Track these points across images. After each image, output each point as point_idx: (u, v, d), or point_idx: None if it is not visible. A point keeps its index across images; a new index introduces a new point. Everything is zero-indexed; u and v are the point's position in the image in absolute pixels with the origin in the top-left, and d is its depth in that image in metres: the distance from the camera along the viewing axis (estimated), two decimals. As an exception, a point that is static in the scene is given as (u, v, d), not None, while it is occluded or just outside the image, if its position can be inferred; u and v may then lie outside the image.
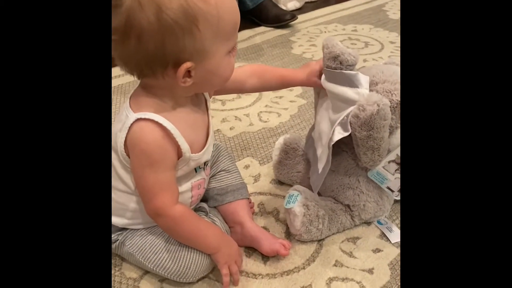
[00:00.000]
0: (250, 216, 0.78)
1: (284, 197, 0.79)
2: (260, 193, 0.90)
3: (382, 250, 0.77)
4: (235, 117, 1.17)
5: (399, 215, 0.85)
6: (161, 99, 0.61)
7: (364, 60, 1.53)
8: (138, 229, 0.71)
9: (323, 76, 0.75)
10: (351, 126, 0.67)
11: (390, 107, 0.67)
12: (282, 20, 1.80)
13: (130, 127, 0.60)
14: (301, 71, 0.79)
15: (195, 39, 0.55)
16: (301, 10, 2.05)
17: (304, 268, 0.74)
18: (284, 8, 1.95)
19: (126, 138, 0.60)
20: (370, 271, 0.73)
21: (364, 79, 0.71)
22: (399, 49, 1.56)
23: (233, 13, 0.58)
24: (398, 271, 0.73)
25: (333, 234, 0.80)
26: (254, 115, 1.18)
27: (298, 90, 1.32)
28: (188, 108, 0.65)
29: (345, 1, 2.17)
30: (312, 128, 0.88)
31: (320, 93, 0.81)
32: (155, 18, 0.53)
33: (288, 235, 0.80)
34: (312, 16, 1.97)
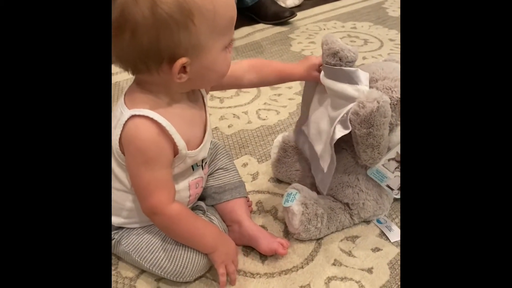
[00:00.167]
0: (248, 214, 0.77)
1: (282, 195, 0.78)
2: (259, 192, 0.89)
3: (382, 249, 0.76)
4: (234, 114, 1.16)
5: (398, 213, 0.84)
6: (156, 95, 0.60)
7: (364, 58, 1.52)
8: (135, 228, 0.70)
9: (322, 73, 0.74)
10: (350, 123, 0.66)
11: (390, 104, 0.66)
12: (281, 17, 1.79)
13: (124, 124, 0.58)
14: (300, 66, 0.78)
15: (191, 34, 0.54)
16: (300, 7, 2.04)
17: (302, 267, 0.73)
18: (283, 5, 1.94)
19: (120, 135, 0.59)
20: (370, 270, 0.72)
21: (364, 76, 0.70)
22: (399, 46, 1.56)
23: (229, 7, 0.57)
24: (398, 271, 0.72)
25: (332, 233, 0.79)
26: (252, 113, 1.17)
27: (297, 87, 1.31)
28: (184, 104, 0.63)
29: (345, -2, 2.16)
30: (300, 122, 0.87)
31: (317, 88, 0.80)
32: (149, 12, 0.52)
33: (287, 234, 0.79)
34: (311, 13, 1.96)
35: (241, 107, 1.20)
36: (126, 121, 0.58)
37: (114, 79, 1.29)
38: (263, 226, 0.80)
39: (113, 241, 0.70)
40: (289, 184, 0.85)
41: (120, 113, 0.59)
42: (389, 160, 0.73)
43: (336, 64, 0.70)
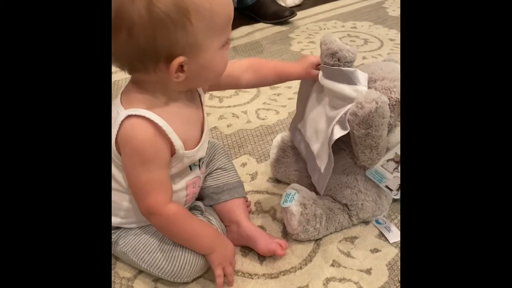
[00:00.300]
0: (247, 215, 0.77)
1: (281, 195, 0.78)
2: (257, 192, 0.89)
3: (380, 250, 0.76)
4: (233, 114, 1.16)
5: (397, 214, 0.84)
6: (153, 94, 0.60)
7: (363, 57, 1.52)
8: (132, 228, 0.70)
9: (320, 73, 0.74)
10: (349, 124, 0.66)
11: (389, 104, 0.66)
12: (281, 16, 1.79)
13: (121, 124, 0.58)
14: (298, 64, 0.78)
15: (188, 33, 0.54)
16: (300, 6, 2.03)
17: (301, 268, 0.72)
18: (283, 4, 1.94)
19: (117, 135, 0.59)
20: (368, 271, 0.72)
21: (362, 76, 0.70)
22: (399, 46, 1.55)
23: (226, 5, 0.57)
24: (397, 272, 0.72)
25: (331, 233, 0.78)
26: (251, 112, 1.17)
27: (296, 87, 1.28)
28: (182, 103, 0.63)
29: (345, -3, 2.16)
30: (296, 120, 0.86)
31: (314, 86, 0.80)
32: (146, 11, 0.51)
33: (285, 234, 0.79)
34: (311, 12, 1.96)
35: (240, 106, 1.20)
36: (122, 121, 0.58)
37: (113, 78, 1.29)
38: (261, 227, 0.80)
39: (110, 241, 0.70)
40: (288, 184, 0.84)
41: (116, 113, 0.59)
42: (388, 160, 0.73)
43: (335, 64, 0.69)
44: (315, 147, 0.78)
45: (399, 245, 0.77)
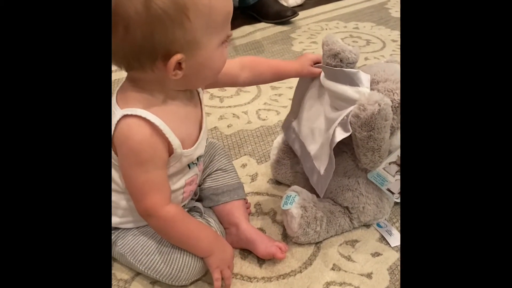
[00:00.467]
0: (246, 217, 0.76)
1: (281, 197, 0.77)
2: (257, 193, 0.88)
3: (382, 254, 0.75)
4: (233, 114, 1.15)
5: (399, 217, 0.83)
6: (151, 93, 0.59)
7: (366, 58, 1.51)
8: (130, 228, 0.69)
9: (322, 74, 0.73)
10: (351, 126, 0.65)
11: (391, 106, 0.65)
12: (283, 16, 1.78)
13: (116, 124, 0.57)
14: (296, 61, 0.78)
15: (186, 30, 0.52)
16: (302, 6, 2.02)
17: (300, 271, 0.71)
18: (285, 4, 1.93)
19: (113, 135, 0.58)
20: (369, 275, 0.71)
21: (365, 78, 0.69)
22: (401, 47, 1.54)
23: (226, 2, 0.56)
24: (398, 276, 0.71)
25: (331, 236, 0.77)
26: (252, 113, 1.16)
27: (297, 87, 1.29)
28: (179, 102, 0.62)
29: (347, -2, 2.15)
30: (291, 117, 0.85)
31: (312, 83, 0.79)
32: (143, 8, 0.50)
33: (285, 237, 0.78)
34: (313, 13, 1.94)
35: (241, 106, 1.19)
36: (118, 121, 0.57)
37: (113, 76, 1.28)
38: (261, 229, 0.79)
39: (108, 243, 0.69)
40: (288, 186, 0.83)
41: (112, 112, 0.58)
42: (390, 163, 0.72)
43: (337, 65, 0.68)
44: (312, 147, 0.77)
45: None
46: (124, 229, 0.69)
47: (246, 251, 0.74)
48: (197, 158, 0.67)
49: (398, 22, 1.85)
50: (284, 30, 1.74)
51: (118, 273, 0.70)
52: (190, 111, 0.64)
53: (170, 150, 0.60)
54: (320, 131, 0.76)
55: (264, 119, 1.13)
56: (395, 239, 0.77)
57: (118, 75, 1.28)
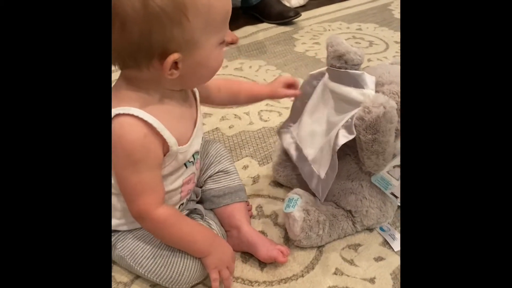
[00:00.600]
0: (248, 220, 0.75)
1: (283, 200, 0.76)
2: (259, 195, 0.87)
3: (385, 259, 0.74)
4: (235, 115, 1.14)
5: (402, 221, 0.82)
6: (146, 92, 0.58)
7: (369, 60, 1.49)
8: (130, 231, 0.68)
9: (326, 75, 0.72)
10: (355, 128, 0.64)
11: (396, 109, 0.64)
12: (285, 17, 1.76)
13: None
14: (268, 85, 0.79)
15: (184, 29, 0.52)
16: (305, 7, 2.01)
17: (302, 276, 0.70)
18: (287, 4, 1.92)
19: None
20: (372, 280, 0.70)
21: (370, 80, 0.68)
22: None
23: (225, 1, 0.55)
24: (401, 281, 0.70)
25: (334, 240, 0.76)
26: (254, 114, 1.15)
27: (300, 89, 1.28)
28: (175, 101, 0.61)
29: (350, -1, 2.14)
30: (289, 121, 0.85)
31: (317, 88, 0.78)
32: (140, 5, 0.49)
33: (287, 240, 0.77)
34: (316, 13, 1.93)
35: (243, 107, 1.17)
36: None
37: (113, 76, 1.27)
38: (262, 232, 0.78)
39: (107, 245, 0.68)
40: (290, 188, 0.82)
41: None
42: (394, 167, 0.71)
43: (342, 66, 0.68)
44: (310, 151, 0.76)
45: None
46: (124, 231, 0.68)
47: (248, 254, 0.73)
48: (193, 156, 0.66)
49: (401, 24, 1.84)
50: (286, 31, 1.73)
51: (118, 276, 0.69)
52: (185, 111, 0.63)
53: (166, 149, 0.59)
54: (321, 135, 0.75)
55: (266, 120, 1.12)
56: (398, 243, 0.76)
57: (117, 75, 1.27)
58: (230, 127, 1.09)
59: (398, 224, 0.81)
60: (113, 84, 0.59)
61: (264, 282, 0.69)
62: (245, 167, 0.95)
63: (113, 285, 0.68)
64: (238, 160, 0.97)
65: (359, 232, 0.78)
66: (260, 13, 1.80)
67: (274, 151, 0.90)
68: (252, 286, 0.69)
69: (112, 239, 0.68)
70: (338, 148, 0.66)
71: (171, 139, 0.58)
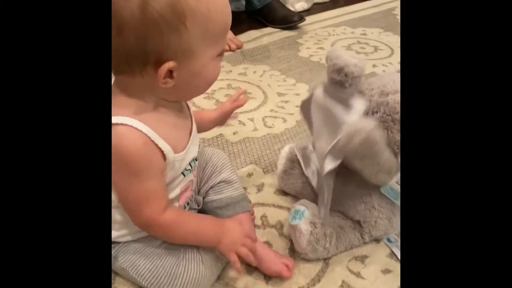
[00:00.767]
0: (253, 230, 0.73)
1: (288, 209, 0.75)
2: (263, 204, 0.86)
3: (392, 271, 0.72)
4: (239, 121, 1.12)
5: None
6: (140, 98, 0.56)
7: (374, 65, 1.48)
8: (130, 242, 0.66)
9: (320, 90, 0.70)
10: (342, 156, 0.64)
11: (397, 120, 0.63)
12: (289, 21, 1.75)
13: None
14: (214, 111, 0.79)
15: (181, 38, 0.50)
16: (309, 11, 2.00)
17: (308, 288, 0.69)
18: (292, 9, 1.91)
19: None
20: (379, 294, 0.69)
21: (359, 103, 0.66)
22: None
23: (225, 14, 0.54)
24: (409, 295, 0.68)
25: (341, 252, 0.75)
26: (258, 120, 1.13)
27: (304, 94, 1.27)
28: (169, 111, 0.60)
29: (354, 3, 2.12)
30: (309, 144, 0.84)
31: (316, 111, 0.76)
32: (139, 10, 0.48)
33: (292, 251, 0.75)
34: (320, 18, 1.92)
35: (247, 113, 1.16)
36: None
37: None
38: (267, 242, 0.76)
39: (109, 256, 0.66)
40: (296, 197, 0.81)
41: None
42: (403, 177, 0.69)
43: (342, 79, 0.65)
44: (315, 167, 0.75)
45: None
46: (125, 242, 0.66)
47: (253, 266, 0.71)
48: (191, 164, 0.65)
49: (407, 29, 1.82)
50: (291, 35, 1.71)
51: (120, 287, 0.68)
52: (179, 121, 0.62)
53: (163, 157, 0.58)
54: (319, 153, 0.74)
55: (271, 127, 1.11)
56: (406, 255, 0.75)
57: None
58: (234, 134, 1.07)
59: (406, 235, 0.80)
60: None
61: (269, 295, 0.68)
62: (250, 174, 0.93)
63: (115, 296, 0.67)
64: (242, 167, 0.95)
65: (366, 243, 0.77)
66: (264, 17, 1.79)
67: (279, 159, 0.88)
68: (257, 299, 0.67)
69: (113, 251, 0.66)
70: (324, 174, 0.65)
71: (165, 147, 0.57)
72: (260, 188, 0.90)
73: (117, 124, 0.54)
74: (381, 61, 1.52)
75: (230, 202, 0.74)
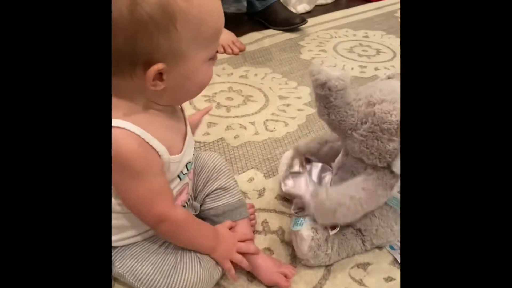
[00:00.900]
0: (251, 237, 0.72)
1: (290, 215, 0.74)
2: (264, 210, 0.85)
3: (395, 279, 0.71)
4: (240, 125, 1.12)
5: (413, 239, 0.79)
6: (130, 100, 0.56)
7: (376, 68, 1.47)
8: (127, 247, 0.65)
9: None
10: None
11: (390, 129, 0.62)
12: (291, 23, 1.74)
13: None
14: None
15: (171, 39, 0.50)
16: (311, 13, 1.99)
17: (310, 296, 0.68)
18: (294, 11, 1.90)
19: None
20: (382, 302, 0.68)
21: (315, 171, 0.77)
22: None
23: (217, 17, 0.53)
24: (412, 304, 0.67)
25: (342, 259, 0.74)
26: (260, 124, 1.13)
27: (306, 98, 1.26)
28: (161, 113, 0.59)
29: (356, 5, 2.11)
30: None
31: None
32: (127, 10, 0.47)
33: (294, 257, 0.74)
34: (322, 20, 1.91)
35: (248, 117, 1.15)
36: None
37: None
38: (268, 249, 0.75)
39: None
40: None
41: None
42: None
43: (327, 94, 0.63)
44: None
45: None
46: (122, 247, 0.66)
47: (252, 274, 0.70)
48: (187, 167, 0.64)
49: (409, 31, 1.81)
50: (292, 38, 1.70)
51: (119, 293, 0.67)
52: (173, 124, 0.61)
53: (159, 157, 0.57)
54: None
55: (272, 131, 1.10)
56: (409, 263, 0.74)
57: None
58: (235, 137, 1.06)
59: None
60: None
61: (270, 303, 0.67)
62: (251, 179, 0.93)
63: (114, 303, 0.66)
64: (244, 172, 0.95)
65: (368, 250, 0.76)
66: (266, 19, 1.78)
67: (280, 165, 0.87)
68: (258, 307, 0.66)
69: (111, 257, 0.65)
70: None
71: (160, 147, 0.56)
72: (261, 193, 0.89)
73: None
74: (383, 64, 1.51)
75: (227, 209, 0.73)
